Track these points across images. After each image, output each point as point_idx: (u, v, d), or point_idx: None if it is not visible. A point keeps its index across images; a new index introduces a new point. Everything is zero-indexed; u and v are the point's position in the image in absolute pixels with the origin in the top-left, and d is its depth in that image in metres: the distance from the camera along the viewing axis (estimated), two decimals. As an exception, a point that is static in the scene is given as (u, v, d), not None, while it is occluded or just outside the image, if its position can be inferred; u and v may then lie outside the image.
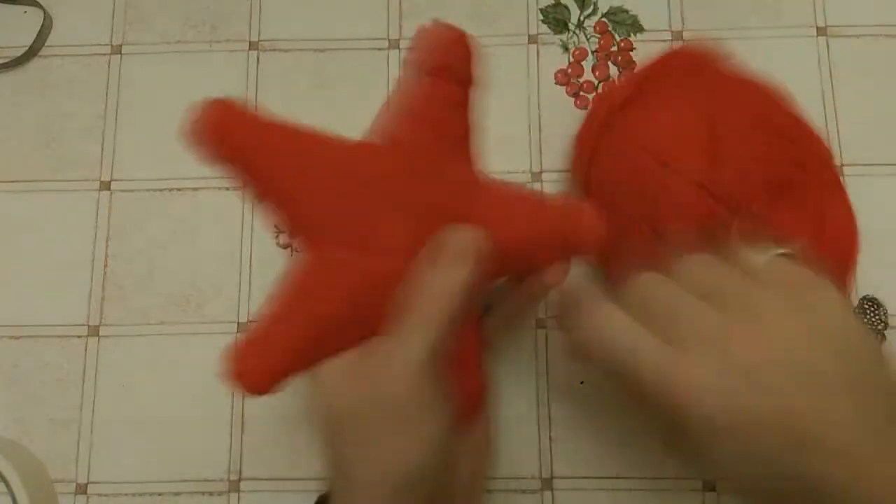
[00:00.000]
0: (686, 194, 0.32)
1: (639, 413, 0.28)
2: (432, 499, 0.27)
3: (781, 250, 0.28)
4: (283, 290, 0.27)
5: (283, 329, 0.26)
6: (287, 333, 0.26)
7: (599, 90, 0.42)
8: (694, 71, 0.35)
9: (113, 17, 0.44)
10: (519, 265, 0.29)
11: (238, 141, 0.27)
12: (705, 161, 0.32)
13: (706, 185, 0.32)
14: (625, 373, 0.26)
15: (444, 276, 0.26)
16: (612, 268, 0.35)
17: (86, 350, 0.40)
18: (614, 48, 0.43)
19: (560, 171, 0.41)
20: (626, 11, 0.43)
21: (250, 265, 0.40)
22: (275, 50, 0.43)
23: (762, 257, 0.27)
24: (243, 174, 0.27)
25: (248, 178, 0.27)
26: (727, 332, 0.25)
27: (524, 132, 0.42)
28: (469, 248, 0.26)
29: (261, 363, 0.26)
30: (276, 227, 0.41)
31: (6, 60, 0.43)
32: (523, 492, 0.38)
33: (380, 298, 0.26)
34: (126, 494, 0.38)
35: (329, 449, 0.28)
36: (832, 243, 0.34)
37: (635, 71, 0.39)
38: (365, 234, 0.26)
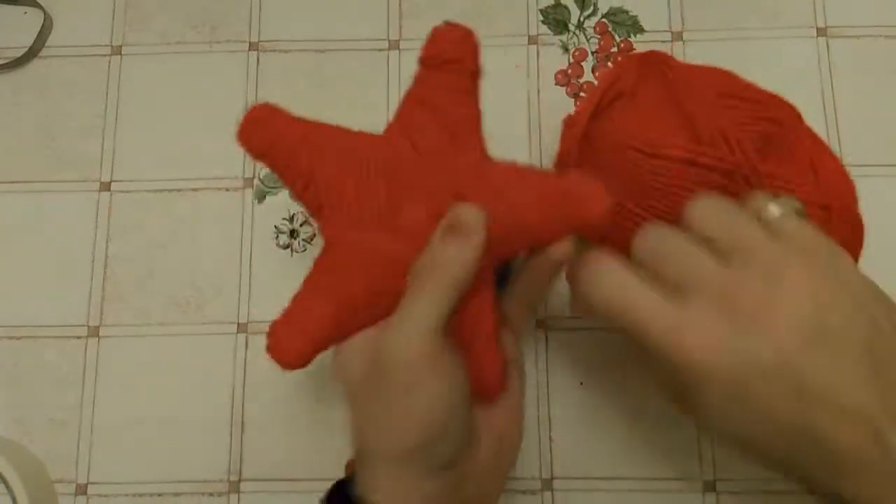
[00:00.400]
0: (679, 174, 0.33)
1: (643, 363, 0.29)
2: (451, 470, 0.27)
3: (798, 203, 0.28)
4: (314, 271, 0.30)
5: (314, 306, 0.29)
6: (318, 311, 0.28)
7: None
8: (647, 70, 0.36)
9: (113, 17, 0.44)
10: (527, 240, 0.30)
11: (278, 140, 0.30)
12: (687, 139, 0.33)
13: (696, 160, 0.32)
14: (624, 326, 0.26)
15: (450, 249, 0.27)
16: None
17: (86, 350, 0.40)
18: (614, 49, 0.43)
19: (560, 172, 0.41)
20: (626, 12, 0.43)
21: (250, 265, 0.40)
22: (275, 50, 0.43)
23: (780, 209, 0.27)
24: (283, 170, 0.30)
25: (287, 173, 0.30)
26: (742, 289, 0.25)
27: (524, 132, 0.42)
28: (472, 221, 0.27)
29: (294, 339, 0.28)
30: (275, 226, 0.41)
31: (6, 60, 0.43)
32: (523, 492, 0.38)
33: (402, 277, 0.28)
34: (126, 494, 0.38)
35: (352, 421, 0.29)
36: (831, 190, 0.34)
37: (595, 86, 0.40)
38: (388, 217, 0.29)
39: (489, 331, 0.30)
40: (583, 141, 0.36)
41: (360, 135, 0.31)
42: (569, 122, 0.38)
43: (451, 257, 0.27)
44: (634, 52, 0.42)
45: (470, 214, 0.27)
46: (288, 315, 0.29)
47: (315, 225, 0.41)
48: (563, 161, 0.37)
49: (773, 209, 0.27)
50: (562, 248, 0.29)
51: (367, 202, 0.29)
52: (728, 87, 0.35)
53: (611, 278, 0.27)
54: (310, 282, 0.30)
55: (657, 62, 0.37)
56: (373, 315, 0.29)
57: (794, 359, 0.24)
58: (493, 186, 0.29)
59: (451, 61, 0.30)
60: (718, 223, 0.27)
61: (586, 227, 0.29)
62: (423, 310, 0.27)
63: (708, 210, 0.27)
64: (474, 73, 0.31)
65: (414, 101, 0.31)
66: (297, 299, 0.29)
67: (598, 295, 0.27)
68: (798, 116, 0.36)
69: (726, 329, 0.25)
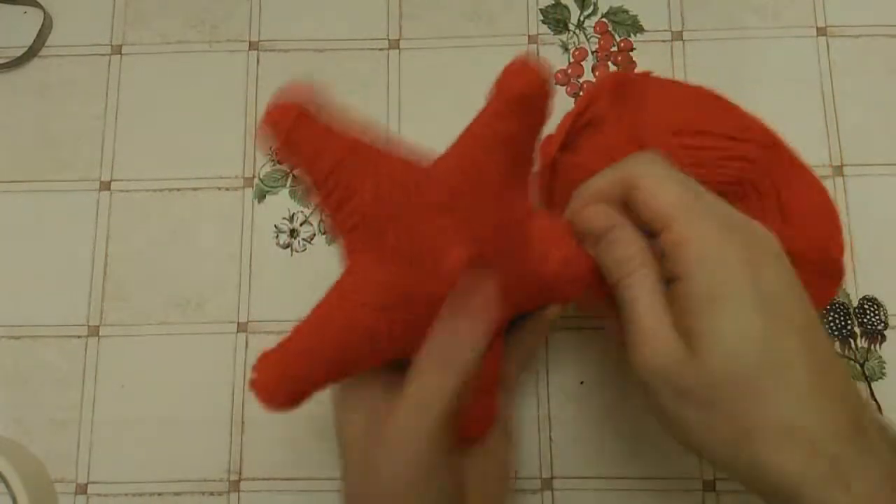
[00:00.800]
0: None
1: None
2: None
3: None
4: (321, 301, 0.27)
5: (310, 342, 0.26)
6: (313, 347, 0.26)
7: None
8: (619, 97, 0.35)
9: (113, 17, 0.44)
10: (550, 300, 0.29)
11: (304, 145, 0.26)
12: None
13: None
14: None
15: (460, 332, 0.26)
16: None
17: (86, 350, 0.40)
18: (614, 48, 0.43)
19: (560, 171, 0.41)
20: (626, 12, 0.43)
21: (250, 265, 0.40)
22: (275, 50, 0.43)
23: None
24: (306, 174, 0.27)
25: (312, 179, 0.27)
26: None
27: (524, 132, 0.42)
28: (484, 304, 0.26)
29: (279, 375, 0.25)
30: (275, 226, 0.41)
31: (6, 60, 0.43)
32: (523, 492, 0.38)
33: (421, 319, 0.26)
34: (126, 494, 0.38)
35: (343, 471, 0.28)
36: (803, 236, 0.33)
37: (567, 114, 0.39)
38: (416, 252, 0.26)
39: (494, 377, 0.28)
40: (551, 170, 0.35)
41: (403, 158, 0.28)
42: (542, 148, 0.36)
43: (461, 342, 0.26)
44: (612, 72, 0.42)
45: (483, 293, 0.26)
46: (278, 348, 0.26)
47: (314, 225, 0.41)
48: (539, 184, 0.36)
49: None
50: (557, 309, 0.29)
51: (396, 230, 0.26)
52: (698, 120, 0.34)
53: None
54: (314, 311, 0.27)
55: (628, 88, 0.35)
56: (379, 355, 0.27)
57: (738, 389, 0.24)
58: (537, 247, 0.28)
59: (520, 99, 0.26)
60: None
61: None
62: (420, 423, 0.25)
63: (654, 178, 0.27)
64: (541, 119, 0.27)
65: (471, 133, 0.28)
66: (295, 329, 0.26)
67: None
68: (776, 147, 0.35)
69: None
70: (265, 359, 0.26)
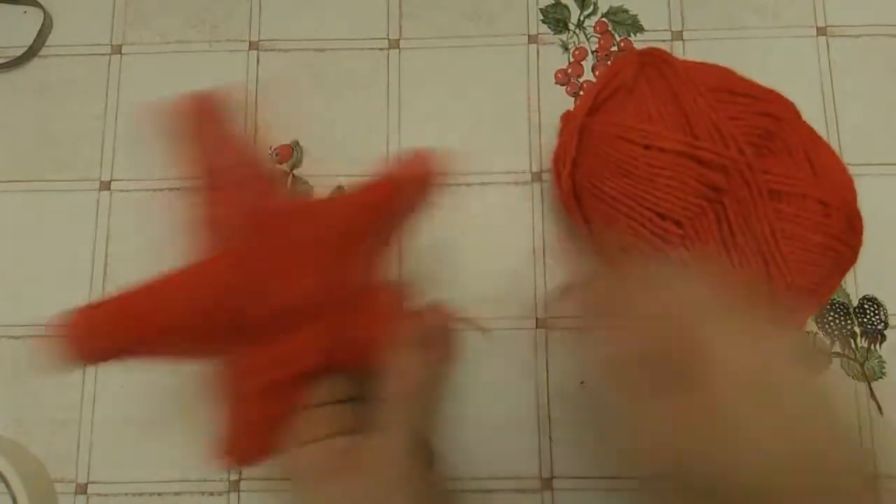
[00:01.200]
0: (675, 167, 0.33)
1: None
2: None
3: None
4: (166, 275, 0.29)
5: (135, 305, 0.28)
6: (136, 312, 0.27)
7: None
8: (646, 66, 0.36)
9: (113, 17, 0.44)
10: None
11: (209, 138, 0.31)
12: (683, 133, 0.33)
13: (690, 153, 0.33)
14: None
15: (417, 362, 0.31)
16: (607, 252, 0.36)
17: (86, 350, 0.40)
18: (614, 48, 0.43)
19: (560, 171, 0.41)
20: (626, 11, 0.43)
21: (250, 265, 0.40)
22: (275, 50, 0.43)
23: None
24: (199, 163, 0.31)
25: (203, 169, 0.30)
26: None
27: (524, 132, 0.42)
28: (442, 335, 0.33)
29: (95, 327, 0.27)
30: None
31: (6, 60, 0.43)
32: (523, 492, 0.38)
33: (242, 331, 0.29)
34: (126, 494, 0.38)
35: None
36: (829, 185, 0.34)
37: (594, 81, 0.40)
38: (261, 284, 0.29)
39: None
40: (581, 134, 0.36)
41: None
42: (566, 118, 0.38)
43: (418, 370, 0.30)
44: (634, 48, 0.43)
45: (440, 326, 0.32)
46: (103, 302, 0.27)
47: (315, 225, 0.41)
48: (560, 156, 0.37)
49: None
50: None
51: (262, 262, 0.29)
52: (724, 82, 0.36)
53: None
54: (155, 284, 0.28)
55: (657, 58, 0.37)
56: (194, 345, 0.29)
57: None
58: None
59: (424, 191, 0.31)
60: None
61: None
62: (399, 421, 0.29)
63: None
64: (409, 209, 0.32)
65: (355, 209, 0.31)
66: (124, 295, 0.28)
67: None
68: (796, 113, 0.36)
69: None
70: (85, 310, 0.27)
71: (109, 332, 0.27)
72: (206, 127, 0.30)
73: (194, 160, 0.30)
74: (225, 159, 0.30)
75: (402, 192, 0.30)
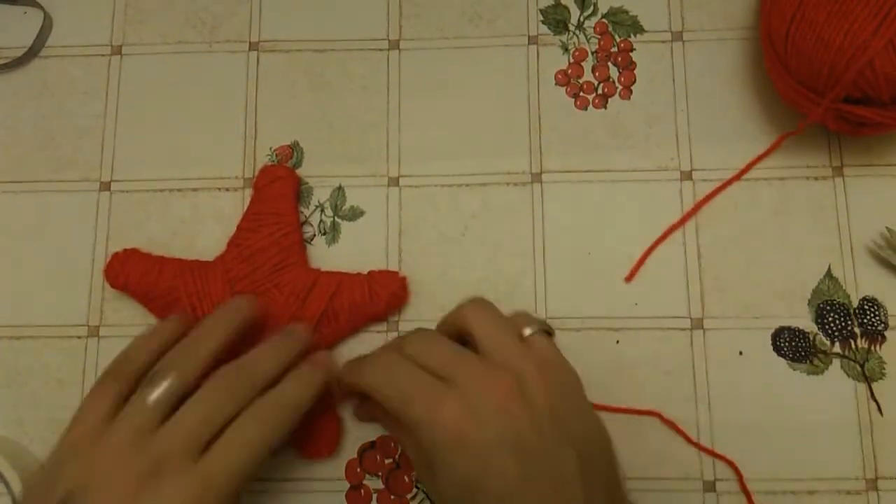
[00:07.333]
0: None
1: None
2: None
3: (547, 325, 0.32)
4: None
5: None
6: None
7: (599, 91, 0.42)
8: None
9: (113, 17, 0.44)
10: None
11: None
12: None
13: None
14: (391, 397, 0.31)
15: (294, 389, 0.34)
16: None
17: (86, 350, 0.40)
18: (614, 49, 0.43)
19: (560, 172, 0.41)
20: (626, 12, 0.43)
21: (250, 265, 0.40)
22: (275, 50, 0.43)
23: (531, 329, 0.32)
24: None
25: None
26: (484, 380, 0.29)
27: (524, 132, 0.42)
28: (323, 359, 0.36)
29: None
30: (276, 227, 0.41)
31: (6, 60, 0.43)
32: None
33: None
34: (126, 494, 0.38)
35: None
36: None
37: None
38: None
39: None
40: (785, 43, 0.37)
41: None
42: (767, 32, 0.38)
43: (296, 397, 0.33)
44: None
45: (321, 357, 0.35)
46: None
47: (314, 225, 0.41)
48: None
49: (527, 330, 0.32)
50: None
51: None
52: None
53: (386, 357, 0.32)
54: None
55: None
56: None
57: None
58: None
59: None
60: (486, 334, 0.31)
61: None
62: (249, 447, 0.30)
63: (482, 318, 0.32)
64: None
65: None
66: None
67: (369, 375, 0.32)
68: None
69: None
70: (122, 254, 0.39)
71: (124, 268, 0.39)
72: None
73: None
74: None
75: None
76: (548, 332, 0.32)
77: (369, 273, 0.39)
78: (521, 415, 0.28)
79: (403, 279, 0.39)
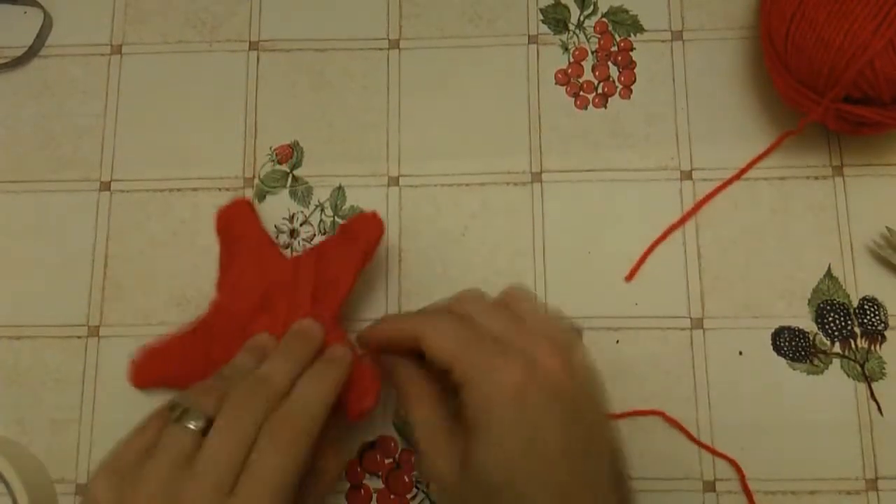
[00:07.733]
0: None
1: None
2: None
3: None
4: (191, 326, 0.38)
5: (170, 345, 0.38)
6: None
7: (599, 91, 0.42)
8: None
9: (113, 17, 0.44)
10: None
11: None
12: None
13: None
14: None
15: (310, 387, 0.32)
16: None
17: (86, 350, 0.40)
18: (614, 48, 0.43)
19: (560, 171, 0.41)
20: (626, 11, 0.43)
21: (250, 265, 0.40)
22: (275, 50, 0.43)
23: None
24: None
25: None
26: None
27: (524, 132, 0.42)
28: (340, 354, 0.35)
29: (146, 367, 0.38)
30: (275, 226, 0.41)
31: (6, 60, 0.43)
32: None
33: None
34: (126, 494, 0.38)
35: None
36: None
37: None
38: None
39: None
40: (784, 41, 0.37)
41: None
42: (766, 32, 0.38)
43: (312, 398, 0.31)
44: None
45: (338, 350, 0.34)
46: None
47: (314, 225, 0.41)
48: None
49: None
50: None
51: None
52: None
53: (442, 312, 0.32)
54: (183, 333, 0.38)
55: None
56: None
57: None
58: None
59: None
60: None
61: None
62: (276, 467, 0.29)
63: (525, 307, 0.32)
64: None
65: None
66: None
67: (424, 325, 0.31)
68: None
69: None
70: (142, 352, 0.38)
71: (147, 371, 0.38)
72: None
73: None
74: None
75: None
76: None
77: (340, 225, 0.39)
78: (569, 386, 0.29)
79: (372, 212, 0.37)
